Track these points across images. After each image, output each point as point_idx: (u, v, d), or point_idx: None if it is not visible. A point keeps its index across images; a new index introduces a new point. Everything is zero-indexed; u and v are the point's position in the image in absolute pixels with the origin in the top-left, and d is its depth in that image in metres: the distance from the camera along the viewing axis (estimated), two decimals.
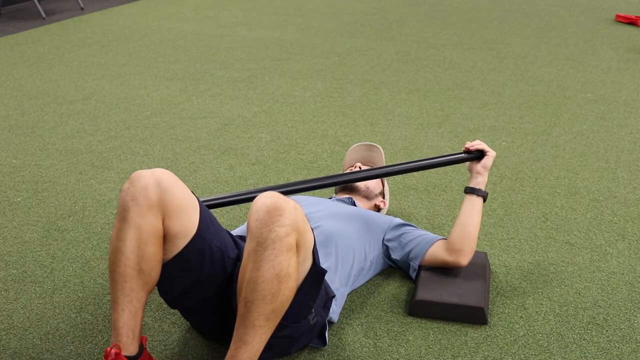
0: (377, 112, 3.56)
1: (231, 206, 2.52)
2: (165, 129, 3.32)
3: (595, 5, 6.46)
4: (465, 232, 1.97)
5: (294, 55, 4.67)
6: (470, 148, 2.04)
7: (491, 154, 2.03)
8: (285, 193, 1.95)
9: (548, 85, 4.00)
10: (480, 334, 1.84)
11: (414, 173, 2.79)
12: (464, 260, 1.97)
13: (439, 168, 2.84)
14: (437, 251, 2.00)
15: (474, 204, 2.00)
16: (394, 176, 2.75)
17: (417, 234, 2.06)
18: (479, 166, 2.03)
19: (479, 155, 2.04)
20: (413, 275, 2.05)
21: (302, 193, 2.28)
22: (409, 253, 2.04)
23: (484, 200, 2.01)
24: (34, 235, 2.35)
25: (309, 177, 2.78)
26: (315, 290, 1.63)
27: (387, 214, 2.42)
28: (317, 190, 2.63)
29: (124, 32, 5.39)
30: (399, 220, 2.12)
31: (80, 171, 2.86)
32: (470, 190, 2.02)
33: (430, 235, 2.06)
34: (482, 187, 2.02)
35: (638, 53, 4.72)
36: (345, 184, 2.25)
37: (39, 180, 2.78)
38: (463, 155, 2.06)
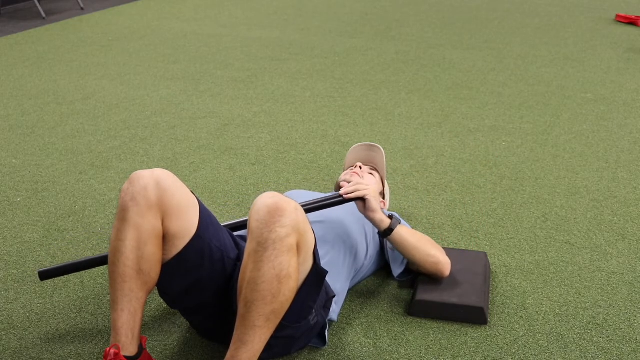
0: (377, 112, 3.56)
1: (231, 206, 2.52)
2: (165, 129, 3.32)
3: (595, 5, 6.46)
4: (419, 259, 1.90)
5: (294, 55, 4.67)
6: (346, 197, 1.88)
7: (369, 197, 1.87)
8: None
9: (548, 85, 4.00)
10: (480, 334, 1.84)
11: (413, 173, 2.79)
12: (445, 270, 1.94)
13: (439, 167, 2.84)
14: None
15: (397, 239, 1.88)
16: (394, 176, 2.76)
17: None
18: (367, 212, 1.88)
19: (361, 199, 1.89)
20: (398, 279, 2.05)
21: (302, 191, 2.28)
22: (395, 262, 2.03)
23: (398, 223, 1.88)
24: (34, 235, 2.35)
25: (308, 177, 2.78)
26: (315, 290, 1.63)
27: None
28: (319, 188, 2.64)
29: (124, 32, 5.39)
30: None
31: (80, 171, 2.86)
32: (384, 234, 1.89)
33: None
34: (385, 224, 1.87)
35: (638, 53, 4.72)
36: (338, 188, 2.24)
37: (39, 180, 2.78)
38: (341, 199, 1.89)
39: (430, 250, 1.92)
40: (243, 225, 1.90)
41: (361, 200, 1.89)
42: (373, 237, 2.05)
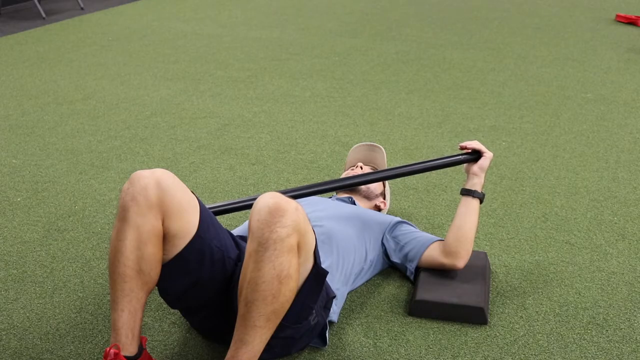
0: (377, 112, 3.56)
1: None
2: (165, 129, 3.32)
3: (595, 5, 6.46)
4: (460, 234, 1.95)
5: (294, 55, 4.67)
6: (468, 146, 2.01)
7: (488, 155, 2.00)
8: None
9: (548, 85, 4.00)
10: (480, 334, 1.84)
11: None
12: (461, 262, 1.95)
13: None
14: (433, 254, 1.98)
15: (470, 205, 1.97)
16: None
17: (414, 236, 2.05)
18: (475, 167, 2.00)
19: (476, 156, 2.01)
20: (411, 278, 2.04)
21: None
22: (405, 255, 2.03)
23: (481, 202, 1.99)
24: (34, 235, 2.35)
25: (309, 177, 2.78)
26: (316, 291, 1.63)
27: (387, 213, 2.41)
28: None
29: (124, 32, 5.39)
30: (397, 220, 2.11)
31: (80, 171, 2.86)
32: (466, 192, 2.00)
33: (426, 237, 2.05)
34: (478, 188, 1.99)
35: (638, 53, 4.72)
36: None
37: (39, 180, 2.78)
38: (461, 157, 2.02)
39: (473, 237, 1.96)
40: (241, 206, 1.96)
41: (475, 157, 2.00)
42: (373, 241, 2.05)
